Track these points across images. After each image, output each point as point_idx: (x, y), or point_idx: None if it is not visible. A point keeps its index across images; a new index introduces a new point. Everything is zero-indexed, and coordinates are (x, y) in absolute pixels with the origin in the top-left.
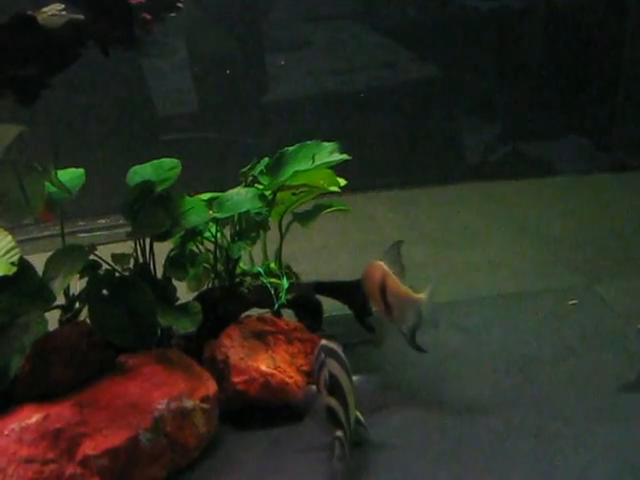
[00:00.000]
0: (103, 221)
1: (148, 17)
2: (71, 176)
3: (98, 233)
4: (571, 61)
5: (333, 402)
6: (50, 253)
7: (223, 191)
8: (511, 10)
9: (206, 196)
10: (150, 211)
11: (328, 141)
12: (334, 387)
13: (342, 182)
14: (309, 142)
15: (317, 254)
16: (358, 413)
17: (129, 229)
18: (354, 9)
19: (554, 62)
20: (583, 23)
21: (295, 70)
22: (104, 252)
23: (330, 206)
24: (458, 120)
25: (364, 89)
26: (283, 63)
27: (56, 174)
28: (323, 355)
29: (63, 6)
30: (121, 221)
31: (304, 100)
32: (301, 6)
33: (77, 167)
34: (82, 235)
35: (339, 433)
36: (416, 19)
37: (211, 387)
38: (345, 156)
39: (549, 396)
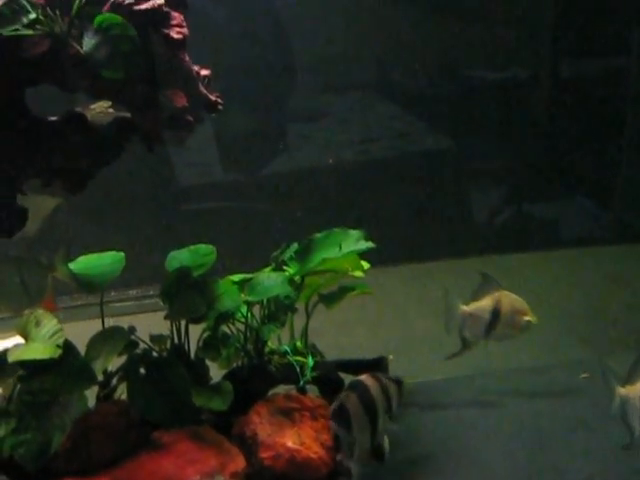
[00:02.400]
0: (134, 292)
1: (191, 119)
2: (112, 259)
3: (129, 303)
4: (576, 127)
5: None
6: (82, 322)
7: (246, 260)
8: (517, 80)
9: (237, 277)
10: (187, 296)
11: (344, 213)
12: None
13: (366, 266)
14: (336, 229)
15: (338, 329)
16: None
17: (158, 300)
18: (369, 80)
19: (560, 129)
20: (586, 91)
21: (313, 140)
22: (135, 321)
23: (354, 289)
24: (469, 190)
25: (379, 159)
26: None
27: (67, 265)
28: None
29: (110, 103)
30: (151, 292)
31: (320, 170)
32: (319, 77)
33: (116, 250)
34: (114, 305)
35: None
36: (426, 89)
37: (240, 463)
38: (370, 244)
39: (563, 468)
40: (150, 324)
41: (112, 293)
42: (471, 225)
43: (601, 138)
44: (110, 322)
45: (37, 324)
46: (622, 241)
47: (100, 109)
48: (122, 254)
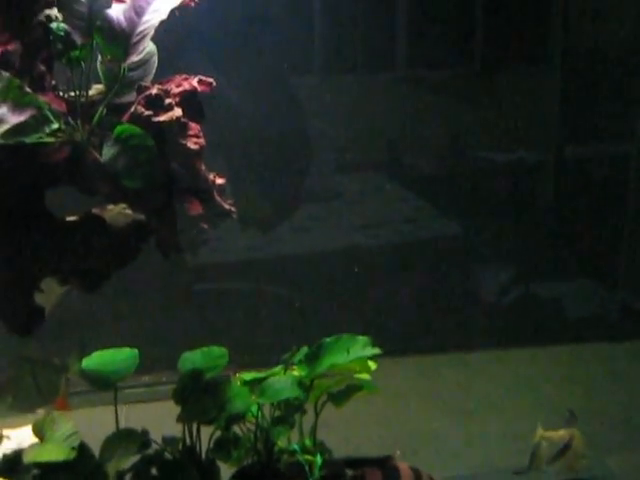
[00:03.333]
0: (146, 378)
1: (205, 226)
2: (126, 356)
3: (141, 390)
4: (580, 210)
5: None
6: (95, 408)
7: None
8: (524, 163)
9: (248, 376)
10: (199, 399)
11: (351, 299)
12: None
13: (373, 366)
14: (345, 335)
15: (346, 424)
16: None
17: (170, 386)
18: (380, 161)
19: (565, 211)
20: (591, 175)
21: (324, 222)
22: (147, 410)
23: (361, 388)
24: (476, 278)
25: (385, 245)
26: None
27: (80, 365)
28: None
29: (126, 205)
30: (164, 379)
31: (332, 253)
32: (332, 156)
33: (130, 347)
34: (125, 391)
35: None
36: (436, 170)
37: None
38: (377, 350)
39: None
40: (162, 413)
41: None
42: (476, 315)
43: (606, 220)
44: (123, 410)
45: (53, 426)
46: (626, 327)
47: (117, 210)
48: (136, 351)
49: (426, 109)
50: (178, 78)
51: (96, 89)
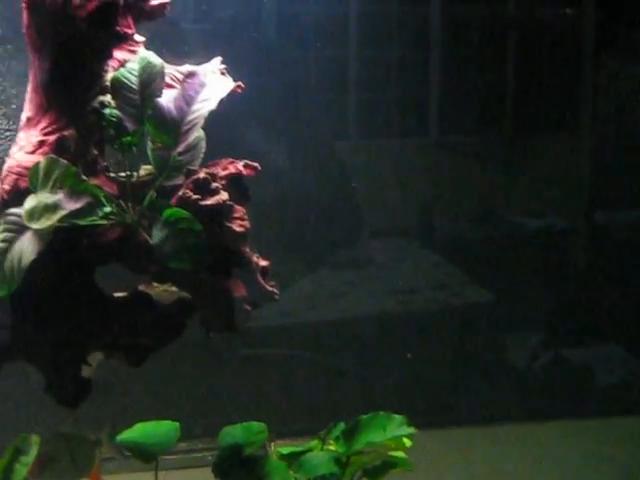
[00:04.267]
0: (184, 444)
1: (249, 308)
2: (168, 429)
3: (177, 457)
4: (611, 275)
5: None
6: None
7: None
8: (554, 228)
9: (285, 450)
10: (238, 473)
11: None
12: None
13: (408, 443)
14: (381, 413)
15: None
16: None
17: (205, 454)
18: (412, 225)
19: (596, 276)
20: (622, 240)
21: (357, 288)
22: (184, 476)
23: (397, 465)
24: (507, 345)
25: (418, 312)
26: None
27: (113, 439)
28: None
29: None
30: (200, 445)
31: (366, 319)
32: (366, 221)
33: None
34: (163, 457)
35: None
36: (466, 237)
37: None
38: (413, 430)
39: None
40: None
41: None
42: (508, 385)
43: (637, 286)
44: (160, 477)
45: None
46: None
47: (163, 287)
48: (177, 424)
49: (458, 174)
50: (224, 161)
51: (145, 170)
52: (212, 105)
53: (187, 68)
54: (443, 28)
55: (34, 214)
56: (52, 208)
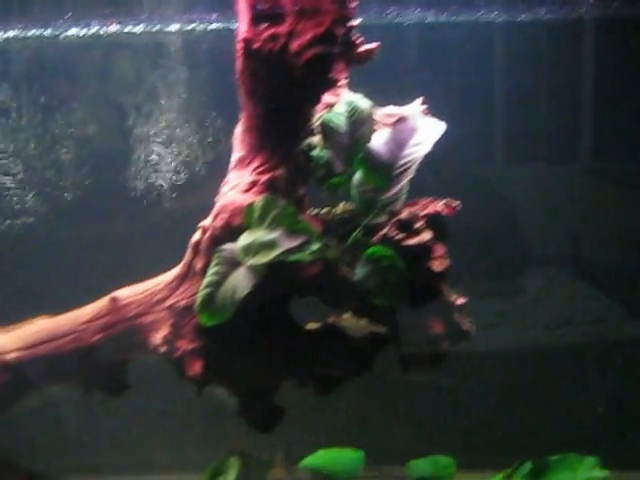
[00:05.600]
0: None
1: (446, 345)
2: (352, 457)
3: None
4: None
5: None
6: None
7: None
8: None
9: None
10: None
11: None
12: None
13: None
14: (571, 454)
15: None
16: None
17: None
18: (564, 255)
19: None
20: None
21: (507, 319)
22: None
23: None
24: None
25: (573, 345)
26: None
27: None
28: None
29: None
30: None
31: (512, 353)
32: (515, 251)
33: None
34: None
35: None
36: (622, 267)
37: None
38: (607, 472)
39: None
40: None
41: None
42: None
43: None
44: None
45: None
46: None
47: (353, 321)
48: (361, 453)
49: (611, 201)
50: (424, 201)
51: (342, 207)
52: (426, 149)
53: (392, 111)
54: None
55: (250, 250)
56: (269, 245)
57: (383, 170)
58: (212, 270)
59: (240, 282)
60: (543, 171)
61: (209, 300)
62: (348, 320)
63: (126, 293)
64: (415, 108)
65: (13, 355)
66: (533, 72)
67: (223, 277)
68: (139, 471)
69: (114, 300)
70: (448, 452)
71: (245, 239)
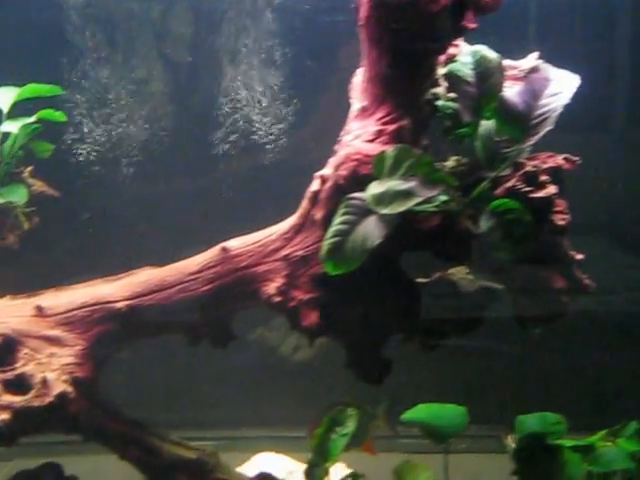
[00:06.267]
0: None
1: (566, 301)
2: (455, 412)
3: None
4: None
5: None
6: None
7: None
8: None
9: (569, 443)
10: (537, 462)
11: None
12: None
13: None
14: None
15: None
16: None
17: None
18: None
19: None
20: None
21: None
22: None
23: None
24: None
25: (620, 313)
26: None
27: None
28: None
29: (467, 270)
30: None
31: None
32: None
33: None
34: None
35: None
36: None
37: None
38: None
39: None
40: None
41: None
42: None
43: None
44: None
45: (413, 472)
46: None
47: (461, 274)
48: (464, 408)
49: None
50: (543, 155)
51: (454, 160)
52: (564, 100)
53: (520, 62)
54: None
55: (383, 200)
56: (404, 195)
57: (519, 121)
58: (339, 219)
59: (371, 231)
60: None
61: (336, 249)
62: (456, 274)
63: (237, 243)
64: (531, 62)
65: (121, 304)
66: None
67: (352, 226)
68: (245, 426)
69: (225, 250)
70: None
71: (376, 188)
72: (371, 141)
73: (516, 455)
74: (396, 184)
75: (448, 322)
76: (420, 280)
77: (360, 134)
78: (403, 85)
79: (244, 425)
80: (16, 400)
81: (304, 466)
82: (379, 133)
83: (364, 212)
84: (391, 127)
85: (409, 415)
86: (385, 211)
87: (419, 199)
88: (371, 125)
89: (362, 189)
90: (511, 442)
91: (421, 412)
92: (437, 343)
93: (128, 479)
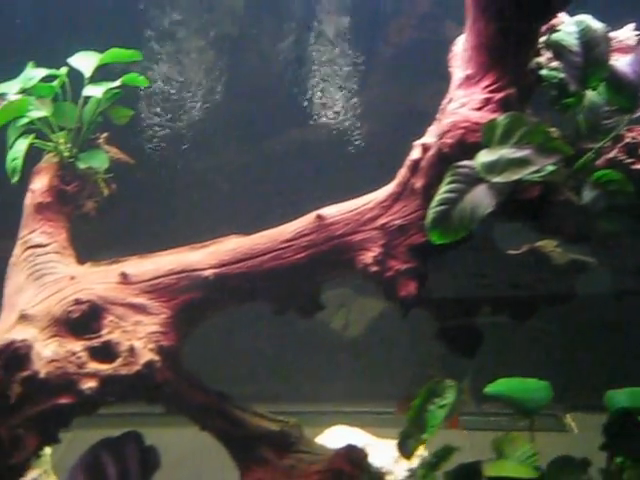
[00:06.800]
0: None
1: None
2: (537, 386)
3: (480, 418)
4: None
5: None
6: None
7: None
8: None
9: None
10: (628, 436)
11: None
12: None
13: None
14: None
15: None
16: None
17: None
18: None
19: None
20: None
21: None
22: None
23: None
24: None
25: None
26: None
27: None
28: None
29: (556, 243)
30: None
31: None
32: None
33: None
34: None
35: None
36: None
37: None
38: None
39: None
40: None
41: None
42: None
43: None
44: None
45: (512, 444)
46: None
47: (549, 247)
48: (546, 383)
49: None
50: (637, 128)
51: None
52: None
53: (616, 33)
54: None
55: (495, 168)
56: (518, 163)
57: (629, 91)
58: (446, 187)
59: (482, 200)
60: None
61: (443, 217)
62: (544, 247)
63: (332, 211)
64: (627, 33)
65: (208, 272)
66: None
67: (460, 194)
68: (332, 401)
69: (320, 218)
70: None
71: (487, 156)
72: (478, 109)
73: (606, 430)
74: (509, 152)
75: (539, 296)
76: (511, 252)
77: (466, 102)
78: (510, 53)
79: (315, 400)
80: (103, 368)
81: (377, 440)
82: (486, 101)
83: (473, 180)
84: (498, 95)
85: (492, 389)
86: (497, 179)
87: (534, 167)
88: (477, 93)
89: (468, 157)
90: (571, 421)
91: (504, 386)
92: (528, 315)
93: (203, 452)
